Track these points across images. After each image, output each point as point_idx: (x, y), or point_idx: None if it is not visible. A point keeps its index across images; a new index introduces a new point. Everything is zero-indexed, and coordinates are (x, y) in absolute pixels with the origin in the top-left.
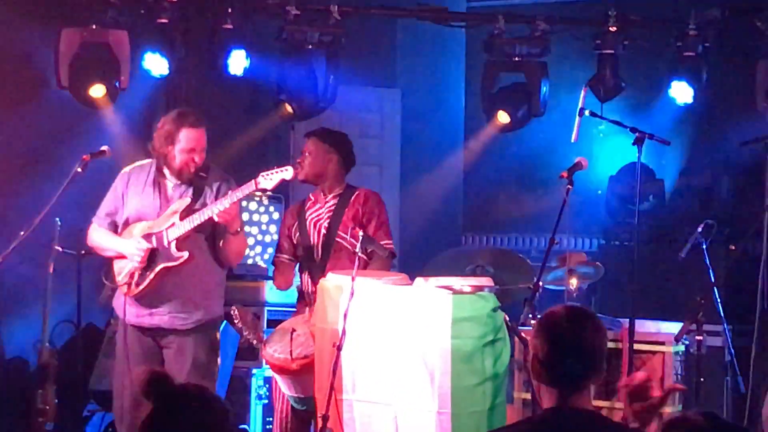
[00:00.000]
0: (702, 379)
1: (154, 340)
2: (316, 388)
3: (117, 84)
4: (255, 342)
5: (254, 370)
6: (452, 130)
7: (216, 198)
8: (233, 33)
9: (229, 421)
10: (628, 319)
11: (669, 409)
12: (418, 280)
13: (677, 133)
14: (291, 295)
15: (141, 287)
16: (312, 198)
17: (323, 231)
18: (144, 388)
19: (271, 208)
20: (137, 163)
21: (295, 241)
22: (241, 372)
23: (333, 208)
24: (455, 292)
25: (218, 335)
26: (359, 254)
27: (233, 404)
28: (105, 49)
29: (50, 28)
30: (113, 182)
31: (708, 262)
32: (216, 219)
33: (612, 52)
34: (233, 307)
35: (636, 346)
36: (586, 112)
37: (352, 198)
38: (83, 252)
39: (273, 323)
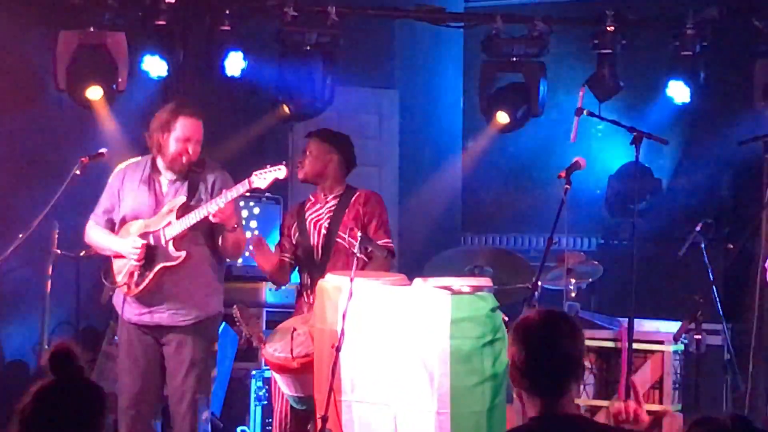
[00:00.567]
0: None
1: (154, 337)
2: (315, 389)
3: (114, 86)
4: (255, 342)
5: (253, 372)
6: (450, 131)
7: (211, 193)
8: (230, 34)
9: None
10: (627, 319)
11: (669, 409)
12: (417, 280)
13: (675, 132)
14: (290, 296)
15: (141, 287)
16: (312, 198)
17: (323, 231)
18: (51, 360)
19: (270, 209)
20: (132, 160)
21: (294, 242)
22: (241, 373)
23: (333, 208)
24: (454, 292)
25: (217, 332)
26: (358, 255)
27: (232, 405)
28: (102, 52)
29: (48, 30)
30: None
31: (707, 261)
32: (212, 219)
33: (610, 51)
34: (234, 307)
35: (635, 346)
36: (584, 112)
37: (353, 199)
38: (82, 254)
39: (272, 324)
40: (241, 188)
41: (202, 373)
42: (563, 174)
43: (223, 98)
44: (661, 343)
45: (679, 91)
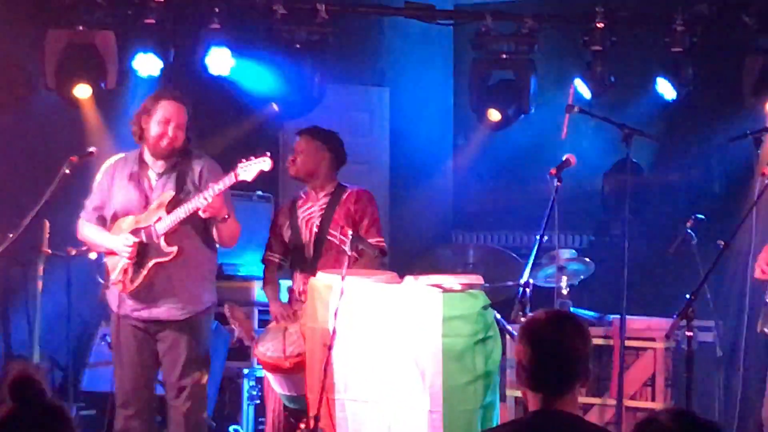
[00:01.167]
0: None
1: (149, 333)
2: (307, 388)
3: (103, 85)
4: (247, 341)
5: (245, 371)
6: (441, 128)
7: (198, 183)
8: (220, 33)
9: None
10: (618, 316)
11: (661, 406)
12: (408, 278)
13: (666, 128)
14: (282, 295)
15: (135, 284)
16: (303, 196)
17: (315, 229)
18: (10, 386)
19: (261, 207)
20: (120, 155)
21: (286, 240)
22: (233, 372)
23: (324, 206)
24: (445, 290)
25: (211, 323)
26: (349, 253)
27: (225, 405)
28: (91, 50)
29: (37, 28)
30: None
31: (698, 258)
32: (201, 214)
33: (600, 48)
34: (226, 306)
35: (627, 343)
36: (575, 109)
37: (344, 196)
38: (73, 252)
39: (264, 323)
40: (228, 181)
41: (199, 368)
42: (554, 171)
43: (213, 96)
44: (652, 340)
45: (668, 88)
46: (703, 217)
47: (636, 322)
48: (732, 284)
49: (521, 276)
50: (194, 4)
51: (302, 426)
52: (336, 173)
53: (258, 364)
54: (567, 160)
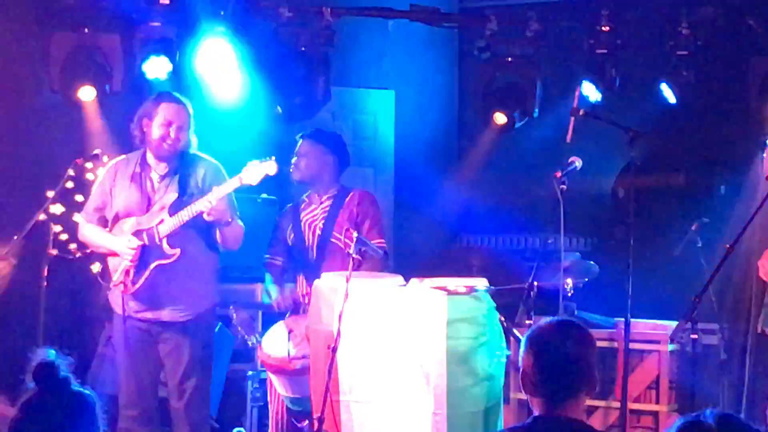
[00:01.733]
0: (697, 378)
1: (152, 335)
2: (311, 390)
3: (108, 88)
4: (251, 343)
5: (250, 373)
6: (446, 131)
7: (202, 186)
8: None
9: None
10: (623, 319)
11: (665, 408)
12: (413, 281)
13: (671, 131)
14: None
15: (137, 285)
16: (306, 199)
17: (318, 232)
18: (34, 371)
19: (266, 210)
20: (122, 156)
21: (290, 243)
22: (237, 375)
23: (328, 209)
24: (450, 292)
25: (214, 323)
26: (353, 255)
27: (229, 407)
28: (97, 53)
29: (42, 31)
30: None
31: (703, 261)
32: (205, 217)
33: (605, 51)
34: (230, 308)
35: (632, 345)
36: (580, 112)
37: (347, 199)
38: (78, 255)
39: (268, 325)
40: (232, 184)
41: (201, 369)
42: (559, 174)
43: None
44: (657, 342)
45: (674, 91)
46: (707, 220)
47: (640, 325)
48: (736, 287)
49: (526, 279)
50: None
51: (306, 428)
52: (339, 176)
53: (262, 366)
54: (572, 162)
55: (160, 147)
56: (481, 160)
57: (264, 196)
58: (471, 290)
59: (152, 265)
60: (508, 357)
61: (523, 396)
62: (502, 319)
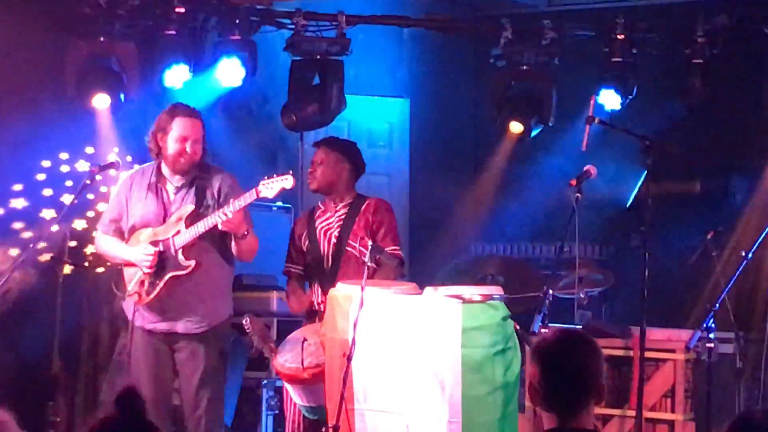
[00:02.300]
0: (713, 387)
1: (167, 344)
2: (326, 398)
3: (123, 95)
4: (266, 352)
5: (265, 381)
6: (461, 139)
7: (218, 198)
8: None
9: None
10: (638, 327)
11: (681, 417)
12: (428, 289)
13: (687, 139)
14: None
15: (151, 296)
16: (322, 207)
17: (333, 240)
18: (118, 396)
19: (281, 218)
20: (138, 167)
21: (304, 250)
22: (252, 383)
23: (343, 217)
24: (465, 301)
25: (229, 334)
26: (368, 264)
27: (244, 415)
28: (112, 61)
29: (58, 38)
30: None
31: (718, 269)
32: (220, 228)
33: (620, 59)
34: (245, 317)
35: (647, 354)
36: (595, 121)
37: (363, 207)
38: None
39: (283, 333)
40: (249, 198)
41: (215, 380)
42: (574, 182)
43: (233, 107)
44: (673, 351)
45: (689, 98)
46: (722, 229)
47: (656, 333)
48: (752, 295)
49: (542, 287)
50: (215, 15)
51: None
52: (354, 184)
53: (277, 374)
54: (587, 171)
55: (176, 162)
56: (496, 169)
57: (279, 204)
58: (486, 298)
59: (167, 276)
60: (522, 365)
61: None
62: (517, 327)
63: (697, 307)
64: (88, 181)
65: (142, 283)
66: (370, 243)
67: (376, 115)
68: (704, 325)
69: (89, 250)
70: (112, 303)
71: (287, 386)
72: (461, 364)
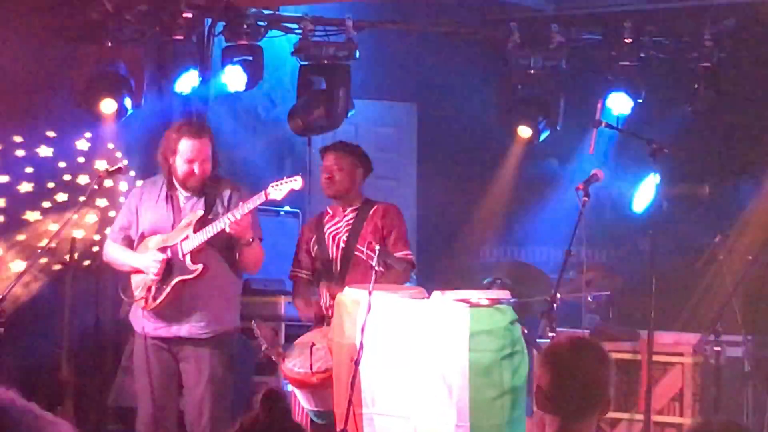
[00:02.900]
0: (721, 390)
1: (171, 352)
2: (334, 403)
3: (131, 101)
4: (275, 356)
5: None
6: (469, 143)
7: (228, 207)
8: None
9: None
10: (646, 331)
11: (689, 421)
12: (436, 293)
13: (693, 142)
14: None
15: (158, 301)
16: (330, 211)
17: (342, 245)
18: (262, 397)
19: (289, 223)
20: (150, 179)
21: (313, 255)
22: (260, 387)
23: (352, 221)
24: (473, 305)
25: (235, 347)
26: (376, 268)
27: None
28: (120, 67)
29: (66, 44)
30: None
31: (726, 272)
32: (227, 231)
33: (628, 63)
34: (253, 322)
35: (655, 358)
36: (603, 124)
37: (371, 212)
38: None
39: (291, 338)
40: (258, 200)
41: (221, 390)
42: (581, 186)
43: (241, 111)
44: (681, 355)
45: (699, 101)
46: (729, 233)
47: (664, 337)
48: (760, 298)
49: (549, 291)
50: (223, 20)
51: None
52: (362, 187)
53: (285, 379)
54: (594, 174)
55: (186, 181)
56: (504, 173)
57: (286, 209)
58: (494, 302)
59: (174, 281)
60: (530, 369)
61: None
62: (525, 331)
63: (705, 311)
64: (95, 186)
65: (149, 288)
66: (377, 247)
67: (383, 119)
68: (712, 328)
69: (98, 256)
70: (119, 308)
71: (295, 391)
72: (469, 368)
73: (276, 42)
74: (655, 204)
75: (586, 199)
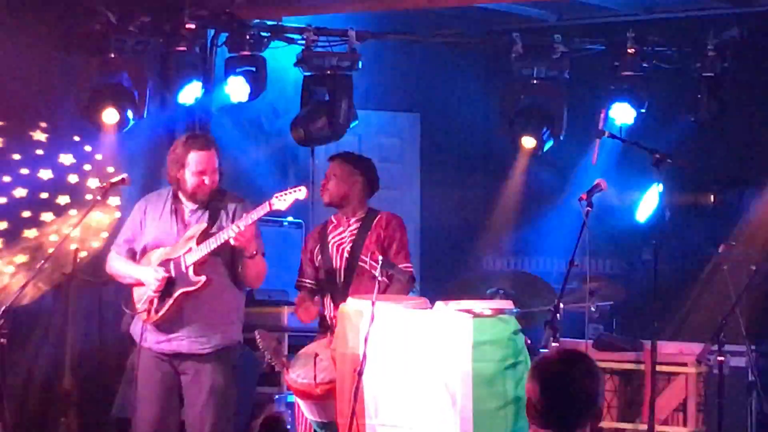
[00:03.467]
0: (725, 400)
1: (172, 365)
2: (338, 414)
3: (134, 111)
4: (278, 367)
5: (276, 396)
6: (472, 153)
7: (232, 220)
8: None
9: None
10: (650, 341)
11: (693, 431)
12: (439, 303)
13: (696, 152)
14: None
15: (160, 314)
16: (334, 221)
17: (345, 255)
18: (262, 423)
19: (292, 233)
20: (155, 192)
21: (317, 264)
22: (264, 398)
23: (355, 231)
24: (476, 315)
25: (237, 361)
26: (379, 279)
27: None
28: (123, 78)
29: (69, 55)
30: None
31: (729, 282)
32: (232, 242)
33: (632, 73)
34: (256, 332)
35: (658, 368)
36: (605, 134)
37: (375, 222)
38: (104, 280)
39: (295, 348)
40: (262, 211)
41: (222, 402)
42: (584, 196)
43: (244, 121)
44: (684, 365)
45: (702, 111)
46: (734, 243)
47: (668, 347)
48: (764, 308)
49: (553, 301)
50: (227, 31)
51: None
52: (368, 198)
53: (288, 389)
54: (598, 184)
55: (195, 194)
56: (507, 183)
57: (290, 219)
58: (497, 312)
59: (177, 293)
60: None
61: None
62: (528, 341)
63: (708, 321)
64: (98, 197)
65: (151, 301)
66: (380, 258)
67: (386, 129)
68: (716, 338)
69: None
70: (122, 319)
71: (299, 401)
72: (472, 378)
73: (279, 53)
74: (659, 214)
75: (589, 209)
